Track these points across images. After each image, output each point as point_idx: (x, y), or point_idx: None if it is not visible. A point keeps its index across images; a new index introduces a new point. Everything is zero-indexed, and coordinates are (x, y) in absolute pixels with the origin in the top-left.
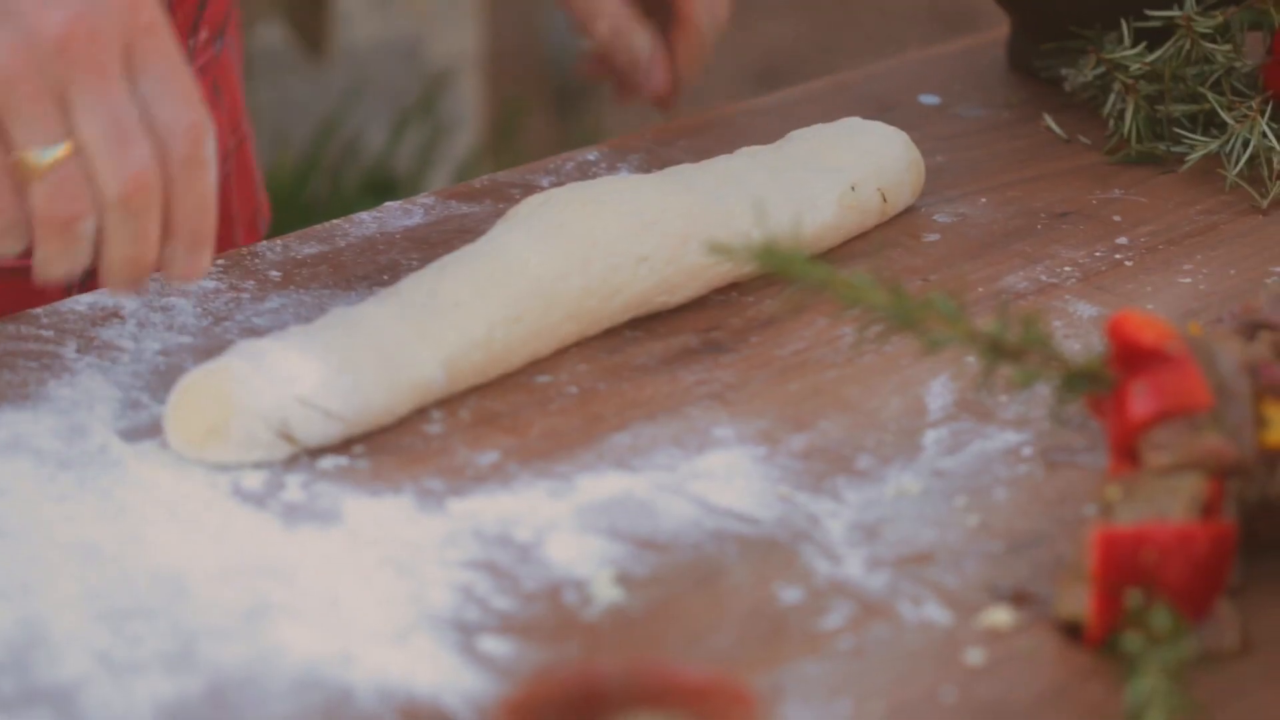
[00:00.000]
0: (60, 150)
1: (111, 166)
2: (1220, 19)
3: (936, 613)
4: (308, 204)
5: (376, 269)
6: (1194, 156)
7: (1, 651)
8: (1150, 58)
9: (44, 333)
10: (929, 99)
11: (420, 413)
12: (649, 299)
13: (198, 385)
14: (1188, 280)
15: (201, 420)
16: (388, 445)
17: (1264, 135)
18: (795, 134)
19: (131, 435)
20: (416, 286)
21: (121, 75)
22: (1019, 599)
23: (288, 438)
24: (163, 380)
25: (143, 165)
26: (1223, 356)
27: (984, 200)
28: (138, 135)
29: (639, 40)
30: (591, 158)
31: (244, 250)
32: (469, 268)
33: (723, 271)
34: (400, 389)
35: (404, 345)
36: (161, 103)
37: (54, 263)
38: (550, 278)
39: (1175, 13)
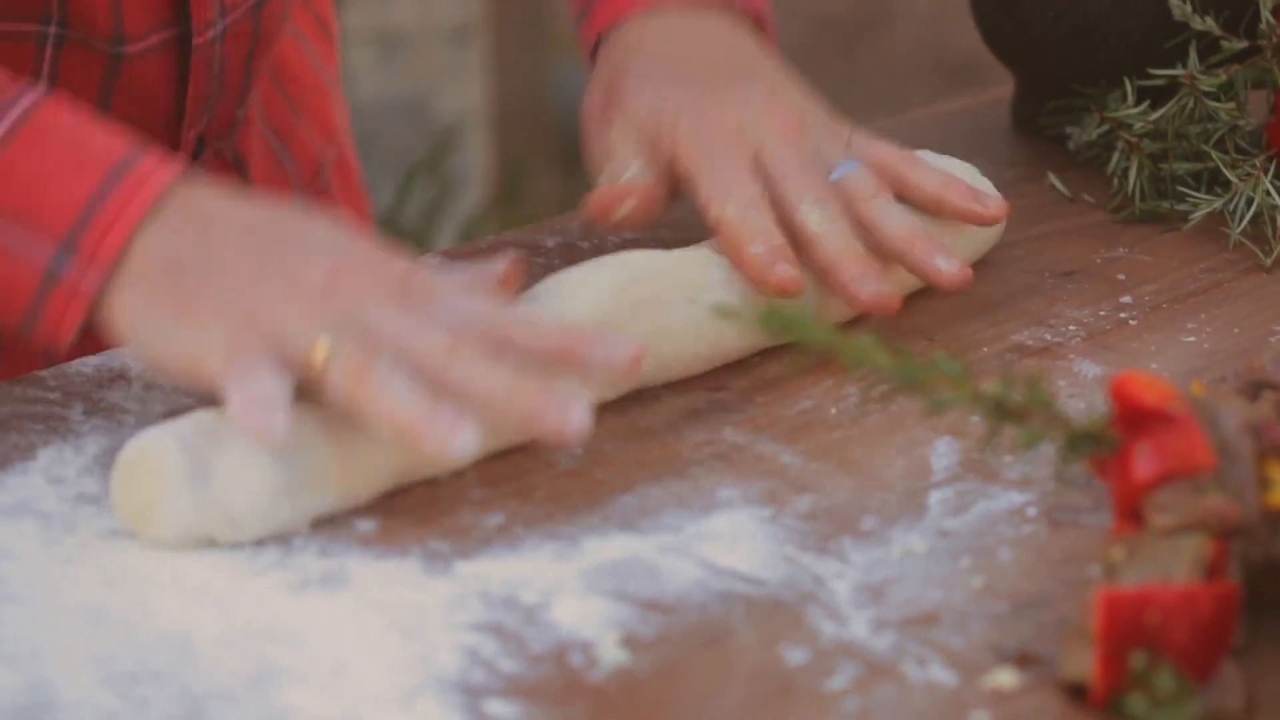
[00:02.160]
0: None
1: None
2: (1223, 77)
3: (942, 674)
4: None
5: None
6: (1198, 215)
7: (9, 716)
8: (1154, 116)
9: (50, 395)
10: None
11: None
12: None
13: (134, 466)
14: (1192, 339)
15: (131, 500)
16: (394, 507)
17: (1268, 193)
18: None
19: None
20: None
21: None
22: (1024, 660)
23: (211, 541)
24: None
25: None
26: (1225, 417)
27: (989, 258)
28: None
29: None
30: None
31: None
32: None
33: (732, 346)
34: (351, 500)
35: (372, 455)
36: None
37: None
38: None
39: (1179, 71)
